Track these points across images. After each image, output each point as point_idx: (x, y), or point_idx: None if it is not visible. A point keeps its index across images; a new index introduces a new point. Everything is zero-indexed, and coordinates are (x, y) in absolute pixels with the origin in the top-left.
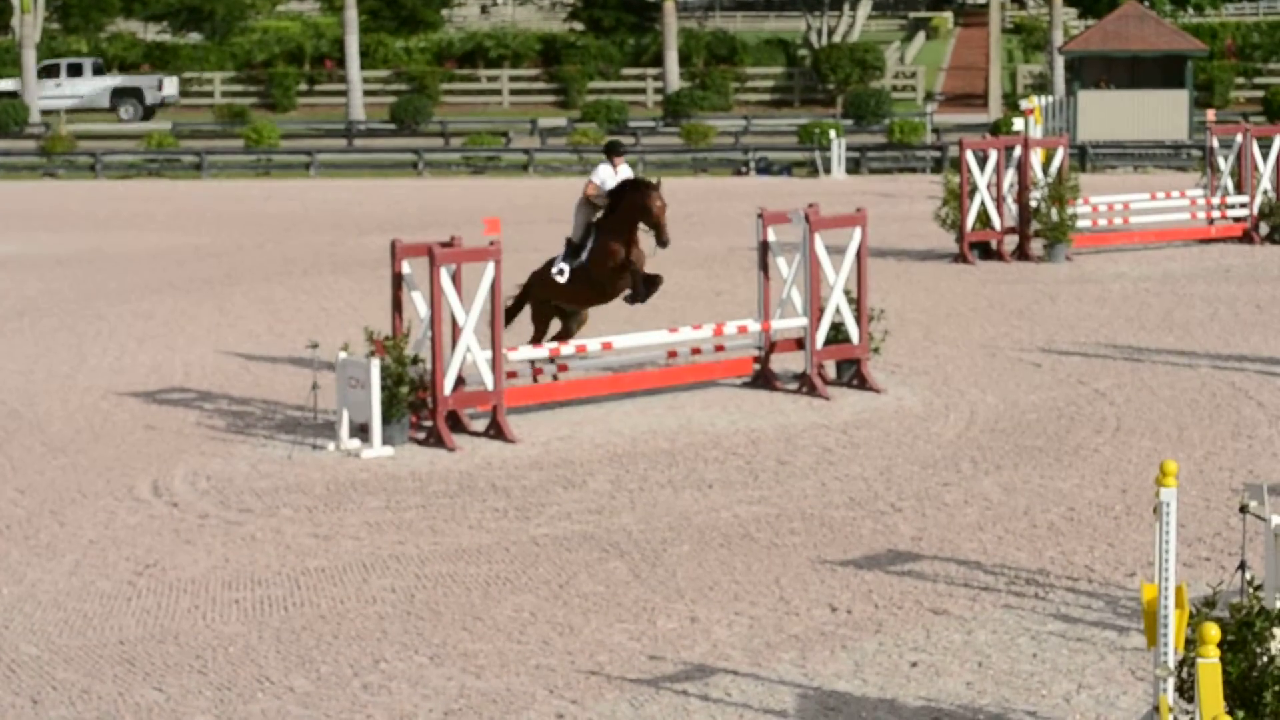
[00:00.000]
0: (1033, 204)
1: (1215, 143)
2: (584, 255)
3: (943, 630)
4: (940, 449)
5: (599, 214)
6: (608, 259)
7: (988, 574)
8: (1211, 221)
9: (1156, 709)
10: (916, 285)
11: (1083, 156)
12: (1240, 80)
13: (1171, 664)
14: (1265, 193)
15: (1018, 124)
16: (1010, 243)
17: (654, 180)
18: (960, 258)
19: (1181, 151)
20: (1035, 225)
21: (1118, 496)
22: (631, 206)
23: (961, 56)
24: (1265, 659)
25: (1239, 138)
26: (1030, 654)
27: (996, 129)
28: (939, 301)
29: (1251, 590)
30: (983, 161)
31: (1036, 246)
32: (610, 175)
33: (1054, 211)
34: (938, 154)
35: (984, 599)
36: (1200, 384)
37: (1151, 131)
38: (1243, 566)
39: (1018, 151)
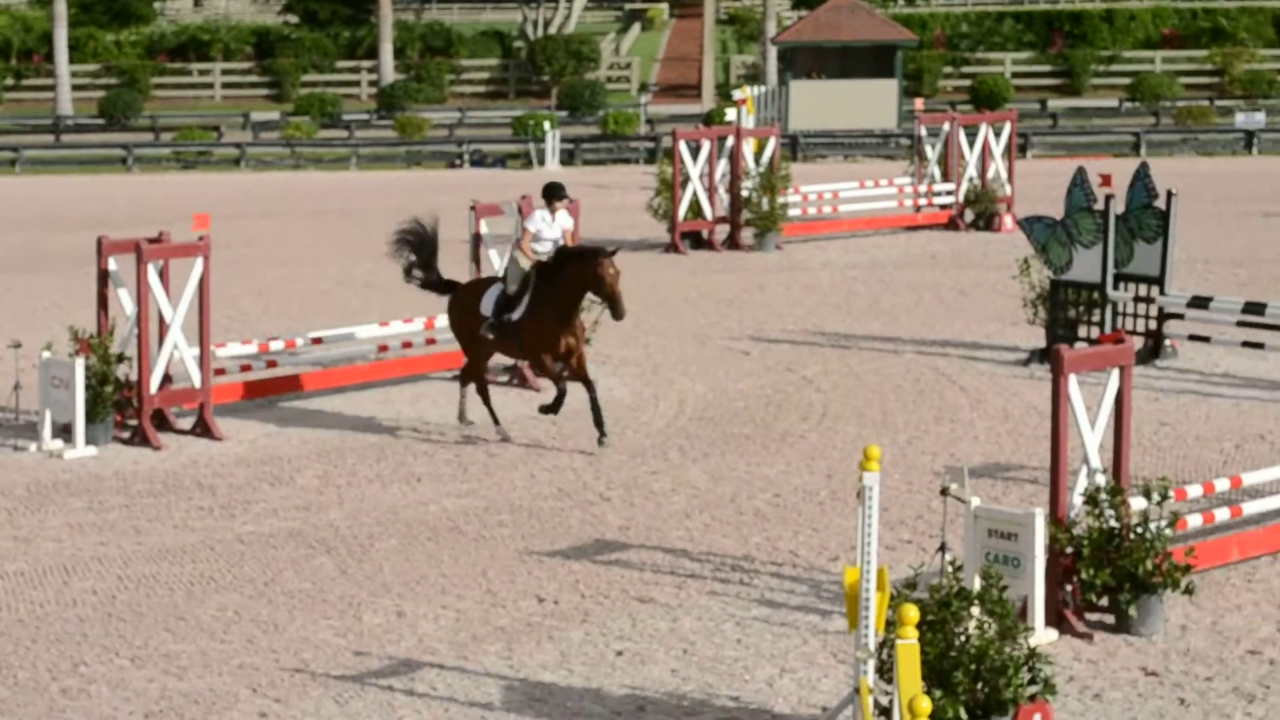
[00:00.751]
0: (744, 194)
1: (923, 131)
2: (517, 314)
3: (648, 618)
4: (649, 438)
5: (537, 268)
6: (541, 339)
7: (694, 561)
8: (919, 209)
9: (857, 691)
10: (628, 275)
11: (794, 146)
12: (949, 70)
13: (872, 646)
14: (971, 180)
15: (730, 114)
16: (721, 232)
17: (608, 249)
18: (672, 247)
19: (890, 140)
20: (746, 214)
21: (823, 482)
22: (580, 277)
23: (676, 47)
24: (962, 639)
25: (946, 126)
26: (735, 640)
27: (709, 119)
28: (650, 291)
29: (951, 571)
30: (695, 152)
31: (747, 235)
32: (547, 224)
33: (765, 201)
34: (651, 145)
35: (690, 586)
36: (905, 369)
37: (861, 121)
38: (943, 548)
39: (730, 141)
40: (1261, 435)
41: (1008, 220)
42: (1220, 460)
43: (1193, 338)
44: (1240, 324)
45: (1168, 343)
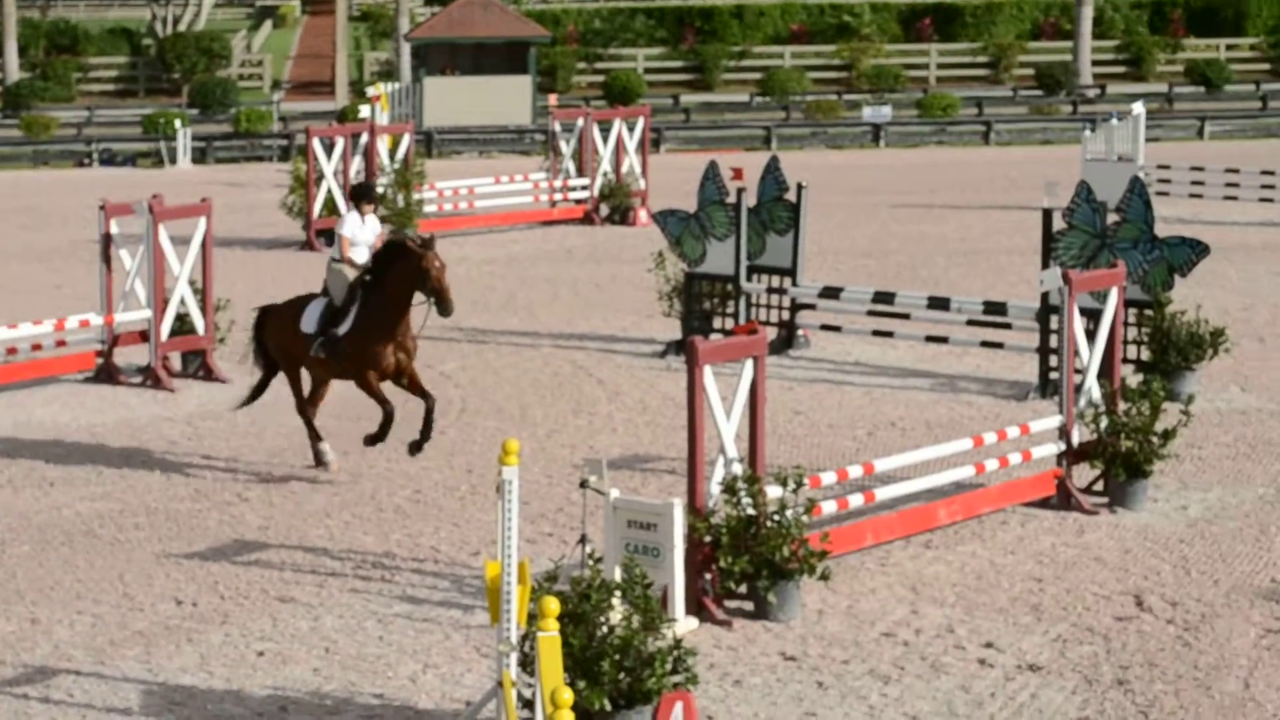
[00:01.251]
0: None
1: (558, 127)
2: (344, 327)
3: (289, 618)
4: (287, 438)
5: (361, 275)
6: (369, 354)
7: (335, 560)
8: (554, 204)
9: (500, 684)
10: (264, 274)
11: (429, 142)
12: (582, 66)
13: (514, 639)
14: (605, 175)
15: (364, 111)
16: None
17: (424, 236)
18: (307, 245)
19: (525, 136)
20: (383, 211)
21: (463, 477)
22: (405, 274)
23: (309, 44)
24: (605, 629)
25: (580, 122)
26: (377, 637)
27: (343, 116)
28: (286, 290)
29: (592, 563)
30: (330, 149)
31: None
32: (358, 226)
33: (400, 197)
34: (285, 142)
35: (331, 584)
36: (543, 363)
37: (496, 117)
38: (583, 540)
39: (364, 138)
40: (893, 422)
41: (642, 214)
42: (854, 447)
43: (825, 327)
44: (870, 313)
45: (800, 333)
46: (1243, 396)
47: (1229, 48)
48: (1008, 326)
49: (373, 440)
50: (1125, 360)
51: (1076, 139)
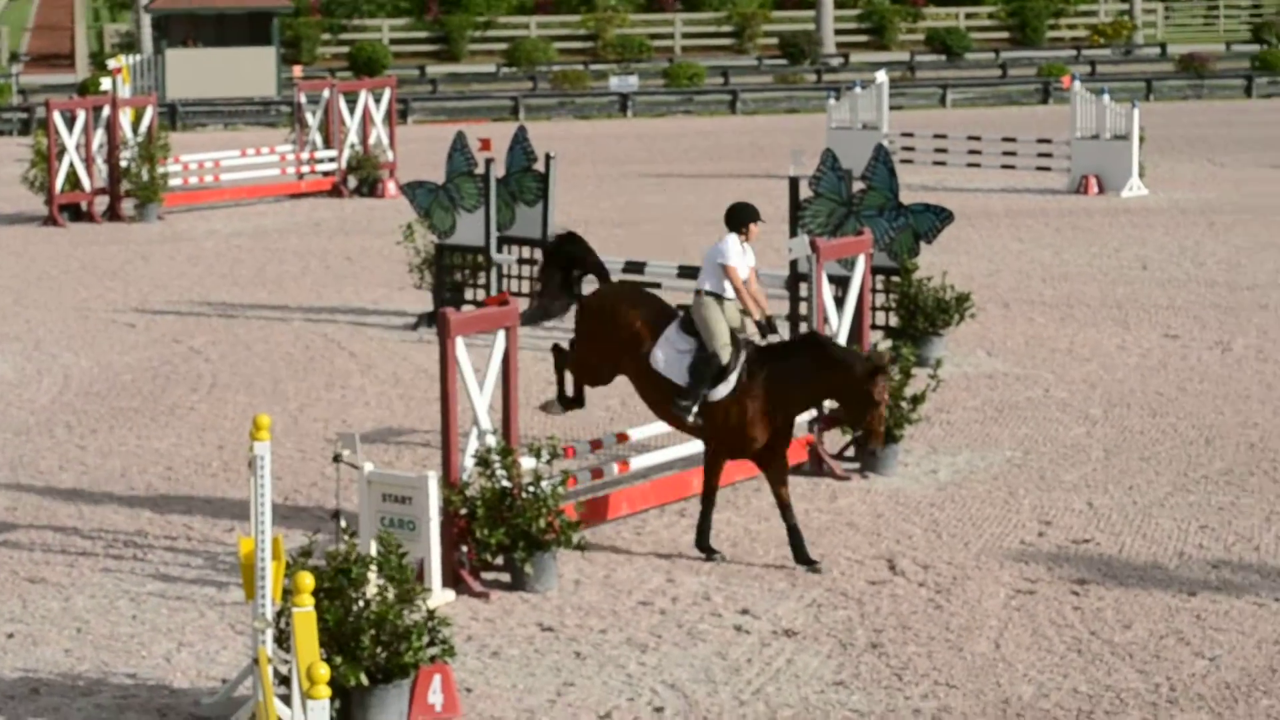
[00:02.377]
0: (124, 164)
1: (303, 99)
2: (721, 390)
3: (40, 599)
4: (34, 415)
5: (758, 349)
6: (740, 437)
7: (85, 539)
8: (301, 176)
9: (256, 661)
10: (6, 250)
11: (173, 115)
12: (327, 37)
13: (269, 616)
14: (353, 146)
15: (106, 84)
16: (101, 204)
17: (885, 355)
18: (50, 220)
19: (271, 108)
20: (126, 185)
21: (215, 453)
22: (836, 386)
23: (46, 16)
24: (361, 604)
25: (326, 93)
26: (130, 616)
27: (84, 89)
28: (29, 266)
29: (347, 538)
30: (71, 122)
31: (128, 207)
32: (740, 254)
33: (145, 171)
34: (25, 115)
35: (82, 564)
36: (294, 337)
37: (240, 89)
38: (338, 515)
39: (106, 111)
40: None
41: (391, 186)
42: (607, 417)
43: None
44: None
45: None
46: (989, 361)
47: (968, 16)
48: None
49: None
50: (874, 327)
51: (821, 108)
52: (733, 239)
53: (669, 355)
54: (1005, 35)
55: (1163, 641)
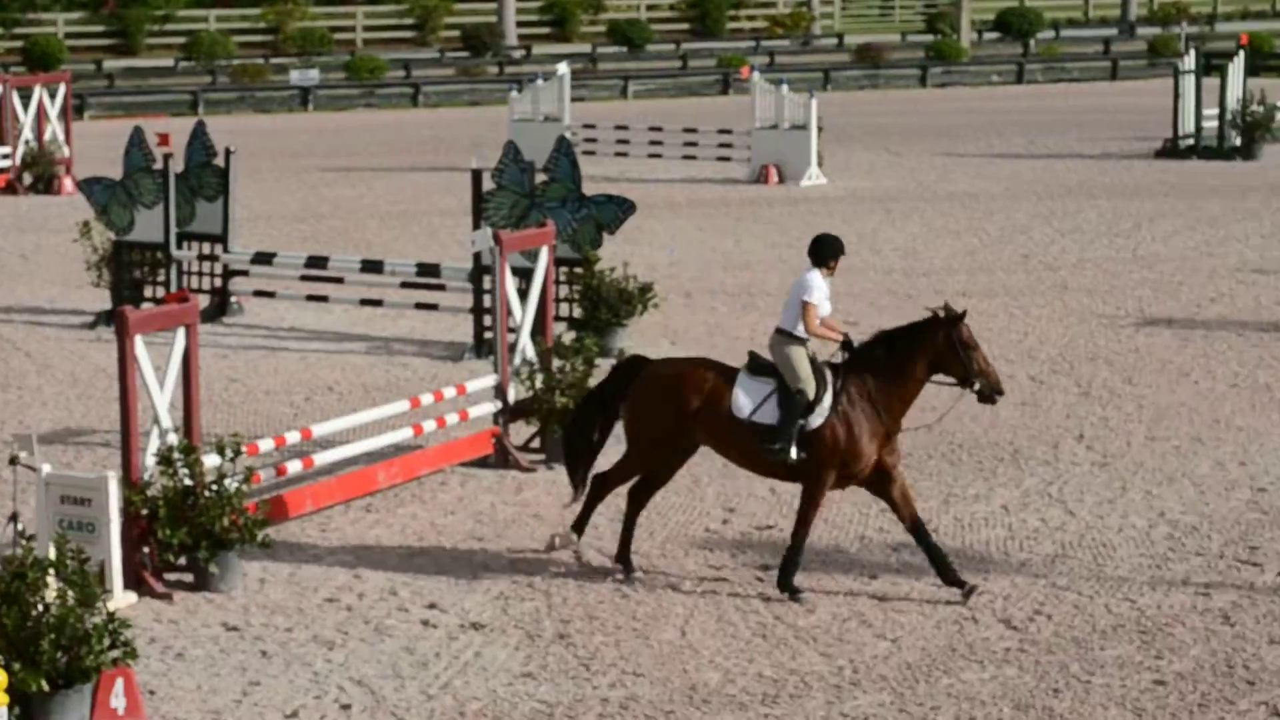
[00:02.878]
0: None
1: None
2: (815, 419)
3: None
4: None
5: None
6: (851, 451)
7: None
8: None
9: None
10: None
11: None
12: (0, 30)
13: None
14: (28, 143)
15: None
16: None
17: (949, 308)
18: None
19: None
20: None
21: None
22: (926, 352)
23: None
24: (40, 608)
25: (0, 88)
26: None
27: None
28: None
29: (24, 541)
30: None
31: None
32: (822, 292)
33: None
34: None
35: None
36: None
37: None
38: (15, 518)
39: None
40: (330, 386)
41: (68, 182)
42: (291, 413)
43: (258, 293)
44: (304, 278)
45: (234, 299)
46: (672, 350)
47: (649, 8)
48: (442, 288)
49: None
50: (558, 318)
51: (504, 100)
52: (816, 275)
53: (753, 400)
54: (686, 27)
55: (845, 624)
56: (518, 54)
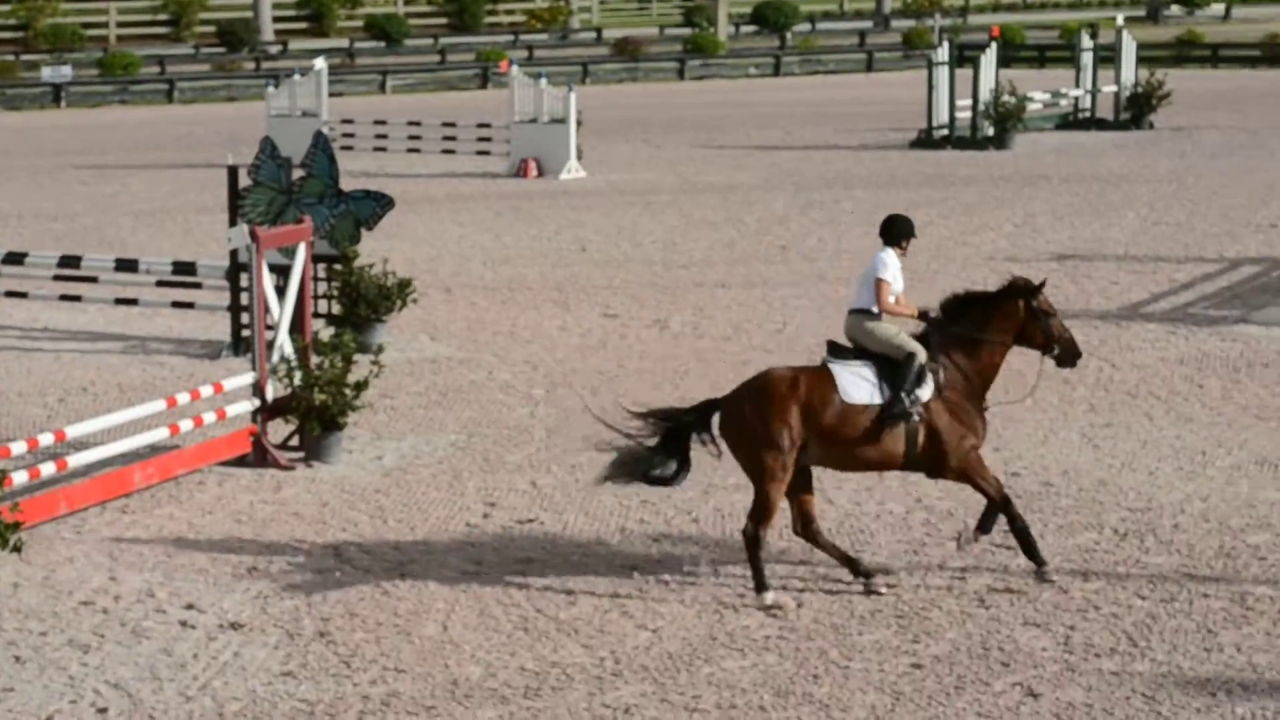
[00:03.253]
0: None
1: None
2: (925, 392)
3: None
4: None
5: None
6: (966, 425)
7: None
8: None
9: None
10: None
11: None
12: None
13: None
14: None
15: None
16: None
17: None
18: None
19: None
20: None
21: None
22: (1008, 319)
23: None
24: None
25: None
26: None
27: None
28: None
29: None
30: None
31: None
32: (897, 271)
33: None
34: None
35: None
36: None
37: None
38: None
39: None
40: (84, 387)
41: None
42: (45, 415)
43: (10, 294)
44: (57, 278)
45: None
46: (432, 345)
47: (408, 3)
48: (198, 286)
49: (980, 531)
50: (316, 315)
51: (260, 95)
52: (890, 254)
53: (859, 384)
54: (444, 22)
55: (606, 616)
56: (274, 49)
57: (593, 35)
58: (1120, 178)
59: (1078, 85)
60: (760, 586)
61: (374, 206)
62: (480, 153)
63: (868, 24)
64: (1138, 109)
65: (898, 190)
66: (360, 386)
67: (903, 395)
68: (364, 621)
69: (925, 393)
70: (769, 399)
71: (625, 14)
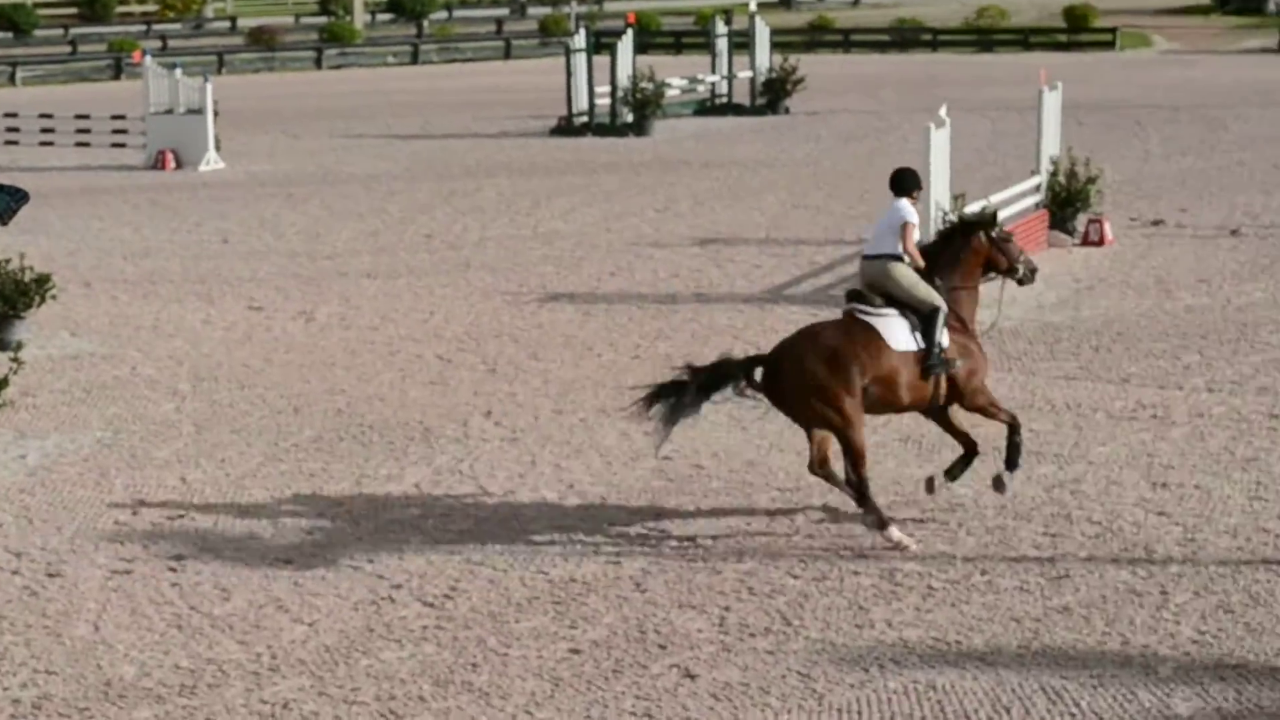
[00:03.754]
0: None
1: None
2: (942, 337)
3: None
4: None
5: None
6: (979, 360)
7: None
8: None
9: None
10: None
11: None
12: None
13: None
14: None
15: None
16: None
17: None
18: None
19: None
20: None
21: None
22: (978, 253)
23: None
24: None
25: None
26: None
27: None
28: None
29: None
30: None
31: None
32: (915, 215)
33: None
34: None
35: None
36: None
37: None
38: None
39: None
40: None
41: None
42: None
43: None
44: None
45: None
46: (74, 341)
47: None
48: None
49: (960, 466)
50: None
51: None
52: (906, 202)
53: (898, 332)
54: (74, 11)
55: (262, 610)
56: None
57: (227, 24)
58: (758, 162)
59: (714, 71)
60: (881, 524)
61: (8, 201)
62: (116, 145)
63: (504, 11)
64: (773, 94)
65: (540, 178)
66: (0, 384)
67: (935, 348)
68: (13, 624)
69: (946, 340)
70: (834, 352)
71: (260, 3)
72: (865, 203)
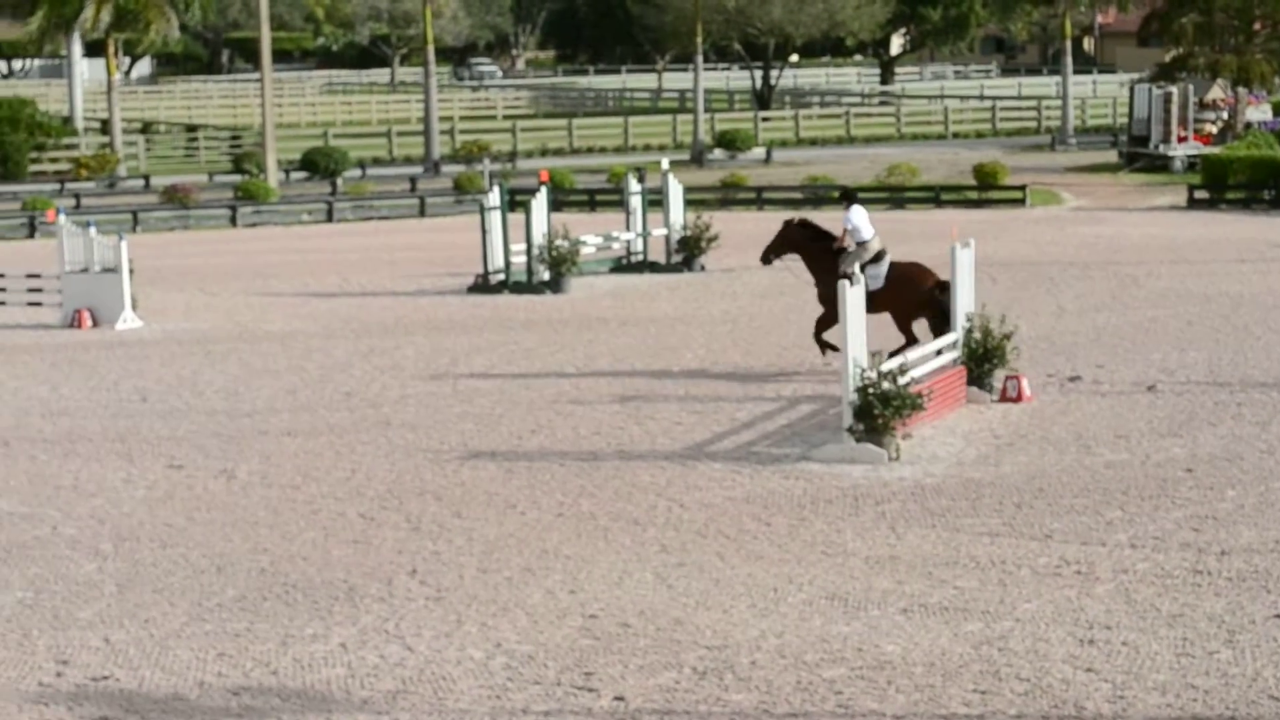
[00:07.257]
0: None
1: None
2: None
3: None
4: None
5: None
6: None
7: None
8: None
9: None
10: None
11: None
12: None
13: None
14: None
15: None
16: None
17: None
18: None
19: None
20: None
21: None
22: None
23: None
24: None
25: None
26: None
27: None
28: None
29: None
30: None
31: None
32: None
33: None
34: None
35: None
36: None
37: None
38: None
39: None
40: None
41: None
42: None
43: None
44: None
45: None
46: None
47: None
48: None
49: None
50: None
51: None
52: (857, 209)
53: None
54: None
55: None
56: None
57: (141, 183)
58: (675, 319)
59: (629, 228)
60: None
61: None
62: (32, 304)
63: (418, 169)
64: (688, 251)
65: (458, 334)
66: None
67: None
68: None
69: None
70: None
71: (173, 160)
72: (783, 359)
